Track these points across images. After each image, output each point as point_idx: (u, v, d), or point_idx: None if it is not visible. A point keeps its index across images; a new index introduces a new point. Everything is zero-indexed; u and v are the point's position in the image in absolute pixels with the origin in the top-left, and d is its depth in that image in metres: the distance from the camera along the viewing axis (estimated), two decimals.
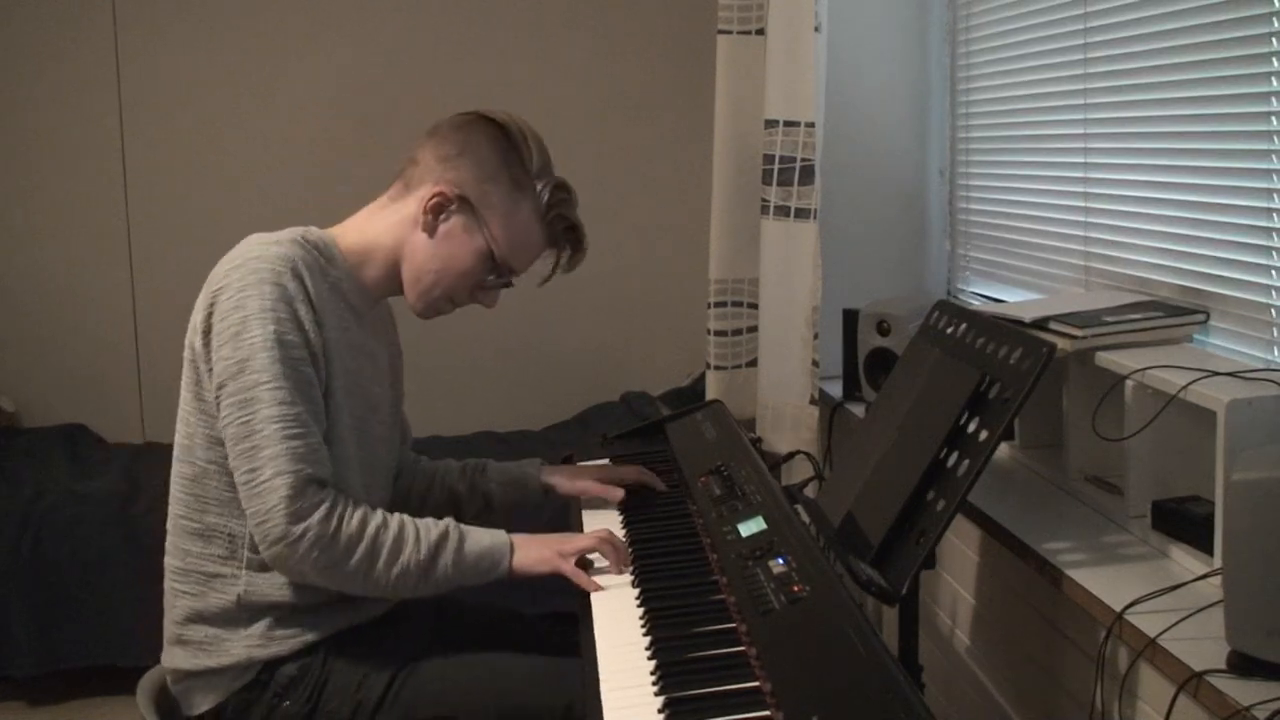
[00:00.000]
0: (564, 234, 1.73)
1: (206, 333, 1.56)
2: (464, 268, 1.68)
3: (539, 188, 1.69)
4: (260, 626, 1.58)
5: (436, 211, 1.66)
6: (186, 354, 1.61)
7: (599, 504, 1.92)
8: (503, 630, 1.85)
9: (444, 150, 1.67)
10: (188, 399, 1.61)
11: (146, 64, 3.90)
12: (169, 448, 1.62)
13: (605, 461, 2.08)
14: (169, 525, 1.65)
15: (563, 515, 1.97)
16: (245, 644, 1.58)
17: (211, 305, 1.56)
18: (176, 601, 1.62)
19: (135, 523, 3.08)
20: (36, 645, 3.00)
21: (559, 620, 1.85)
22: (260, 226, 1.70)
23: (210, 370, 1.56)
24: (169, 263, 3.97)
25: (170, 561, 1.64)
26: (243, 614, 1.59)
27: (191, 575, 1.60)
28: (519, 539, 1.65)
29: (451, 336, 4.16)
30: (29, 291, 3.94)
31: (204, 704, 1.60)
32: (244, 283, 1.54)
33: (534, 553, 1.64)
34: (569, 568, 1.62)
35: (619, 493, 1.91)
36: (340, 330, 1.63)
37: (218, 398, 1.54)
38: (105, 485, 3.29)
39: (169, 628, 1.64)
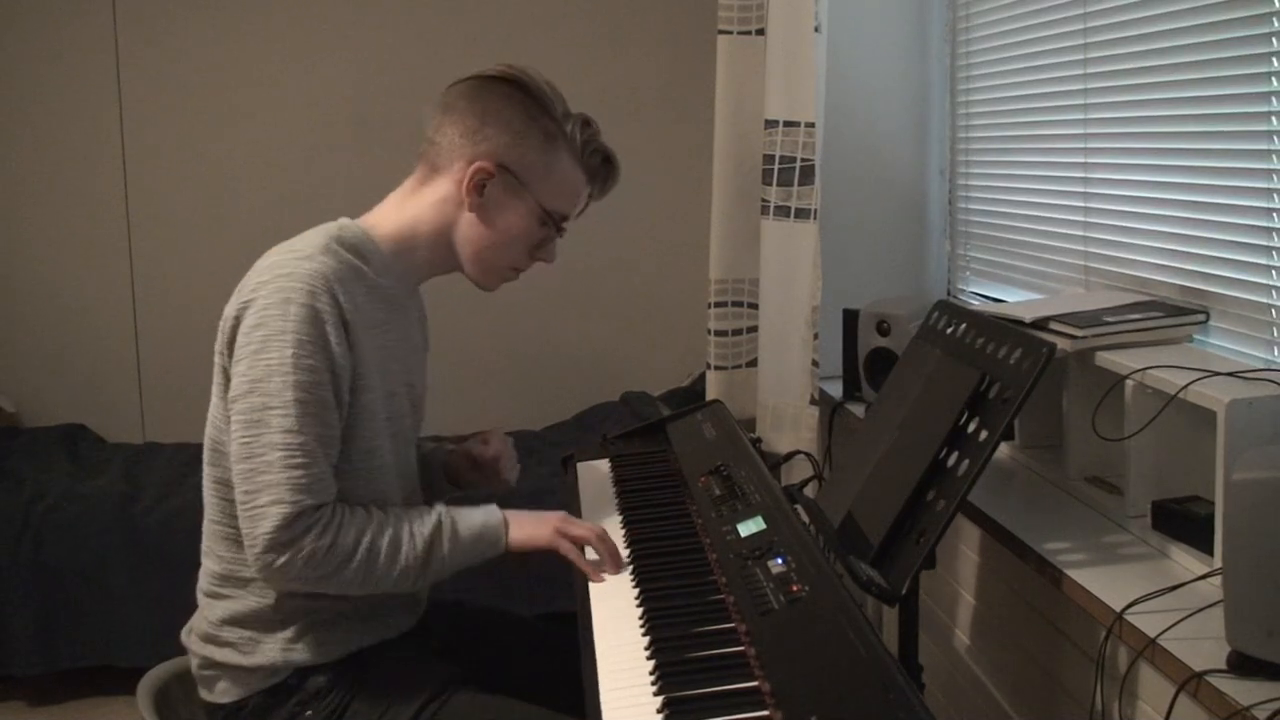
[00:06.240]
0: (601, 165, 1.72)
1: (231, 343, 1.54)
2: (520, 233, 1.67)
3: (569, 130, 1.67)
4: (295, 629, 1.58)
5: (480, 188, 1.63)
6: (217, 359, 1.59)
7: (599, 504, 1.92)
8: (526, 672, 1.81)
9: (466, 123, 1.63)
10: (217, 404, 1.59)
11: (146, 64, 3.90)
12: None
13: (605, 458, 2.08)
14: (204, 528, 1.63)
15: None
16: (280, 646, 1.57)
17: (238, 318, 1.53)
18: (216, 604, 1.61)
19: (135, 523, 3.08)
20: (37, 645, 3.00)
21: (557, 621, 1.83)
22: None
23: (229, 381, 1.54)
24: (169, 263, 3.97)
25: (207, 564, 1.63)
26: (278, 616, 1.58)
27: (230, 580, 1.60)
28: (513, 515, 1.64)
29: (452, 337, 4.15)
30: (29, 291, 3.94)
31: (226, 696, 1.59)
32: (269, 300, 1.51)
33: (530, 527, 1.63)
34: (567, 545, 1.61)
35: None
36: (378, 336, 1.60)
37: (230, 411, 1.52)
38: (105, 485, 3.29)
39: (203, 624, 1.63)
